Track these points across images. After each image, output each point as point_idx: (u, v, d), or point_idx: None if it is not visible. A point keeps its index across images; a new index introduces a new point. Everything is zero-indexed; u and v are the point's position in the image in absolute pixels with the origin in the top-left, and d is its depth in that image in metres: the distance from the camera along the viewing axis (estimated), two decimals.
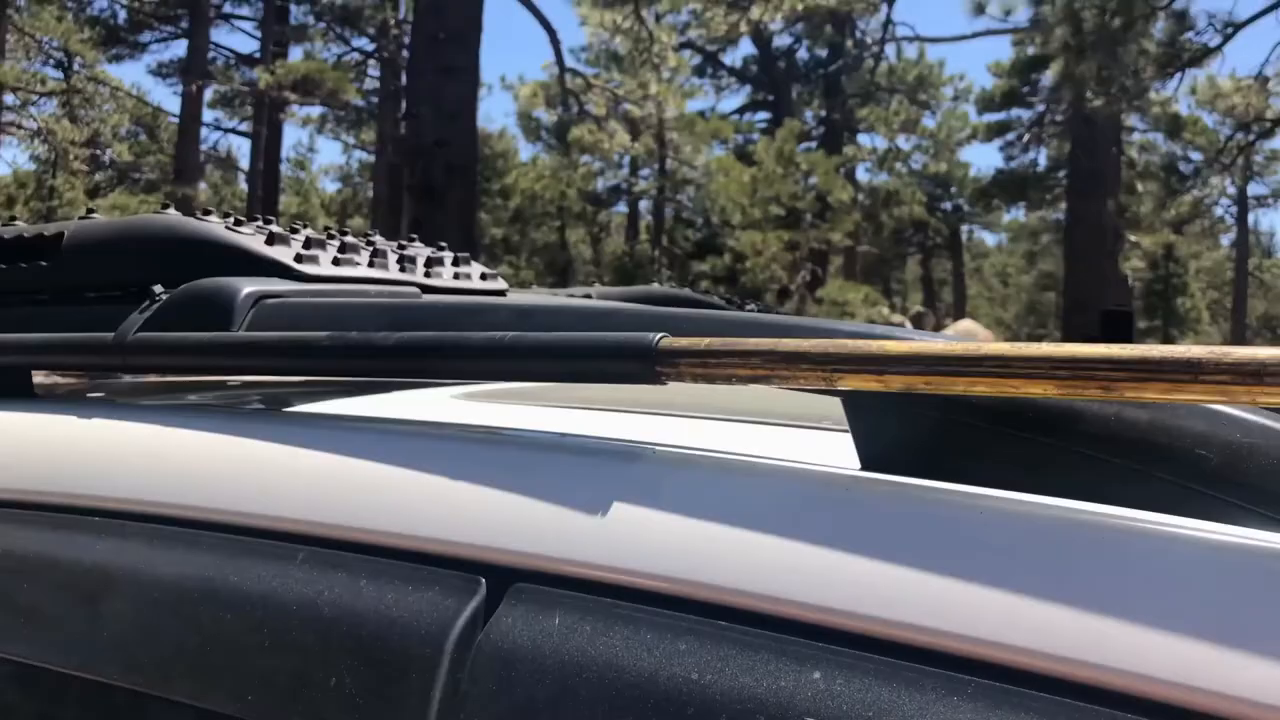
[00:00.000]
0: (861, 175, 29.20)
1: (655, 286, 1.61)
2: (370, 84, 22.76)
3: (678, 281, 22.07)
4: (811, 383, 0.54)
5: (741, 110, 25.95)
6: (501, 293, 1.13)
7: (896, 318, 20.72)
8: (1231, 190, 30.37)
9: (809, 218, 19.47)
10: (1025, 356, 0.49)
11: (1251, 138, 14.28)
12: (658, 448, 0.61)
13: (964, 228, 33.42)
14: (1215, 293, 30.73)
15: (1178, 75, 12.49)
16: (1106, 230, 14.83)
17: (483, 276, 1.15)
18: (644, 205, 23.05)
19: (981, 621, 0.45)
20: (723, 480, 0.57)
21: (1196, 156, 25.22)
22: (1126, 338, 1.56)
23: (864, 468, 0.57)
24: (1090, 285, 16.48)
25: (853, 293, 19.66)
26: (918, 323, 22.14)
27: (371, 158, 24.35)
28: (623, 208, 23.11)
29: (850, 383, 0.53)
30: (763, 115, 25.59)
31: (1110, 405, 0.52)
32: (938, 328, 22.39)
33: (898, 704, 0.44)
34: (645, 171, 20.81)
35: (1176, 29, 12.71)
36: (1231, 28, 12.44)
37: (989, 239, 39.21)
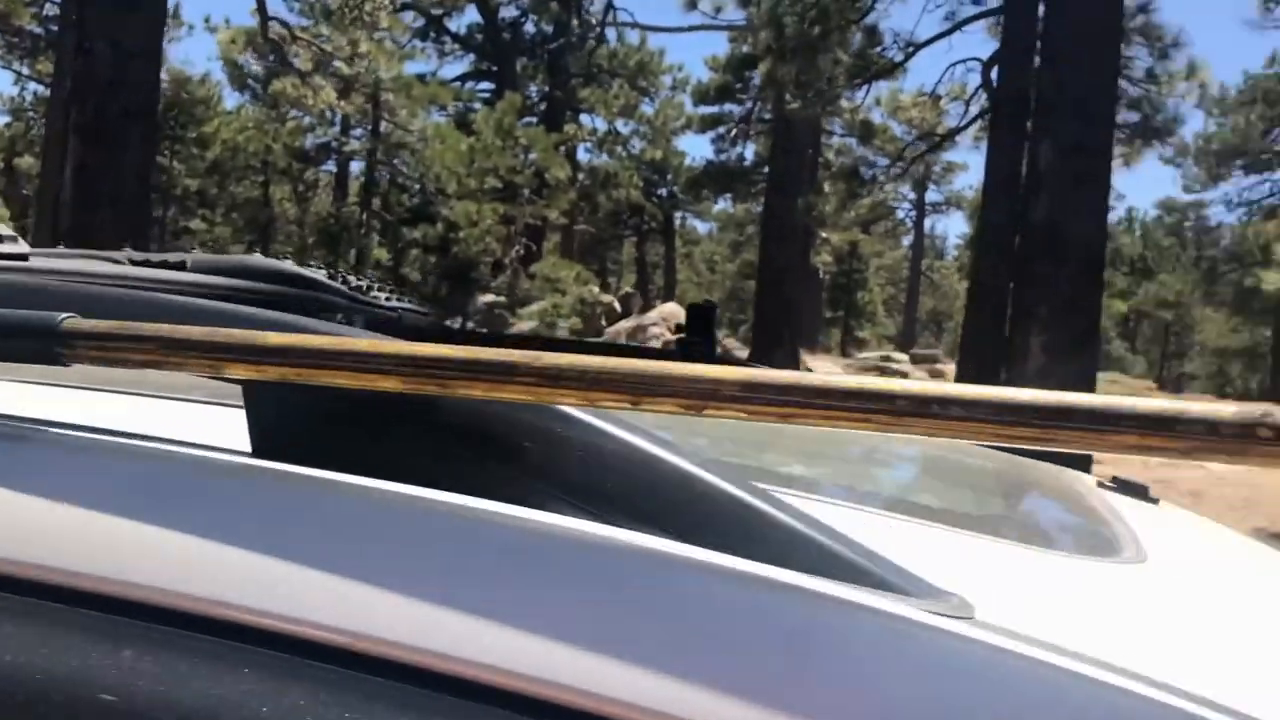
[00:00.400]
0: (583, 155, 29.63)
1: (257, 257, 1.56)
2: (51, 10, 20.60)
3: (390, 249, 21.57)
4: (201, 370, 0.56)
5: (464, 78, 25.62)
6: (22, 256, 1.06)
7: (606, 297, 21.26)
8: (911, 196, 33.38)
9: (526, 193, 19.53)
10: (379, 354, 0.53)
11: (924, 149, 15.76)
12: (20, 424, 0.61)
13: (677, 214, 34.72)
14: (892, 289, 33.67)
15: (866, 86, 13.64)
16: (799, 226, 15.88)
17: None
18: (358, 167, 22.29)
19: (301, 601, 0.48)
20: (71, 460, 0.58)
21: (884, 162, 27.47)
22: (709, 331, 1.68)
23: (255, 453, 0.59)
24: (783, 276, 17.60)
25: (565, 270, 19.97)
26: (625, 304, 22.85)
27: (48, 91, 22.08)
28: (332, 167, 22.24)
29: (234, 371, 0.55)
30: (486, 85, 25.39)
31: (462, 401, 0.57)
32: (645, 309, 23.16)
33: (197, 675, 0.47)
34: (359, 132, 20.12)
35: (867, 43, 13.79)
36: (912, 47, 13.67)
37: (701, 227, 40.98)
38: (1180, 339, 37.75)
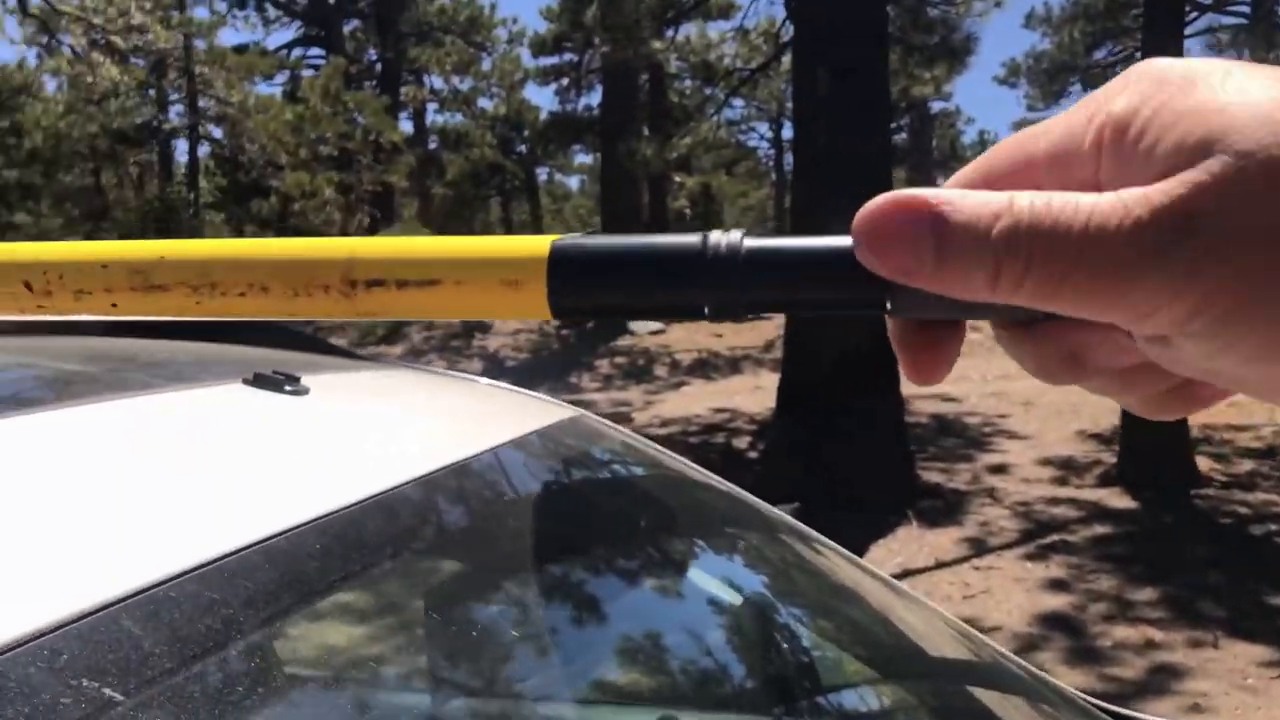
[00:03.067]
0: (436, 118, 29.03)
1: None
2: None
3: (229, 226, 20.83)
4: None
5: (291, 46, 24.74)
6: None
7: None
8: (770, 134, 33.64)
9: (364, 159, 19.07)
10: None
11: (736, 85, 15.74)
12: None
13: (540, 170, 34.38)
14: (759, 229, 34.01)
15: (673, 27, 13.52)
16: (637, 171, 15.83)
17: None
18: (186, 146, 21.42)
19: None
20: None
21: (740, 103, 27.57)
22: None
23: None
24: (627, 222, 17.58)
25: (413, 234, 19.59)
26: None
27: None
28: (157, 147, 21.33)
29: None
30: (317, 52, 24.57)
31: None
32: None
33: None
34: (180, 109, 19.32)
35: None
36: None
37: (572, 182, 40.73)
38: None
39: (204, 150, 20.19)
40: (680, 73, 22.03)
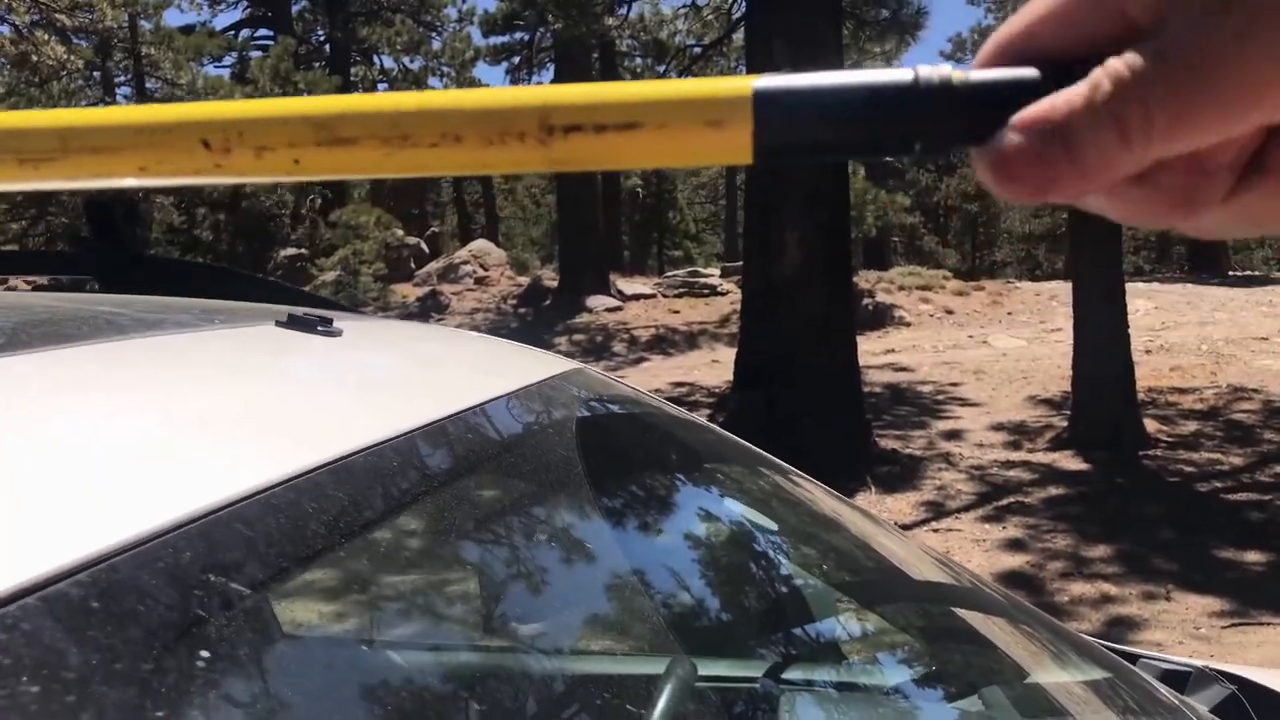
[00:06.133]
0: None
1: None
2: None
3: (178, 209, 20.53)
4: None
5: (238, 26, 24.36)
6: None
7: (411, 239, 20.84)
8: None
9: None
10: None
11: (687, 63, 15.73)
12: None
13: None
14: (712, 206, 34.09)
15: (626, 5, 13.52)
16: None
17: None
18: None
19: None
20: None
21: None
22: (113, 228, 1.64)
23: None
24: (584, 203, 17.56)
25: (366, 215, 19.45)
26: (434, 244, 22.47)
27: None
28: None
29: None
30: (266, 33, 24.22)
31: None
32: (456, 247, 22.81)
33: None
34: (127, 90, 18.95)
35: None
36: None
37: None
38: (988, 229, 39.46)
39: None
40: (631, 50, 21.99)
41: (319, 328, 1.04)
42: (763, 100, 0.32)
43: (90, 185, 0.37)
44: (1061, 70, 0.31)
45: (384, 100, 0.35)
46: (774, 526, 1.36)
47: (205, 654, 0.51)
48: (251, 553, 0.57)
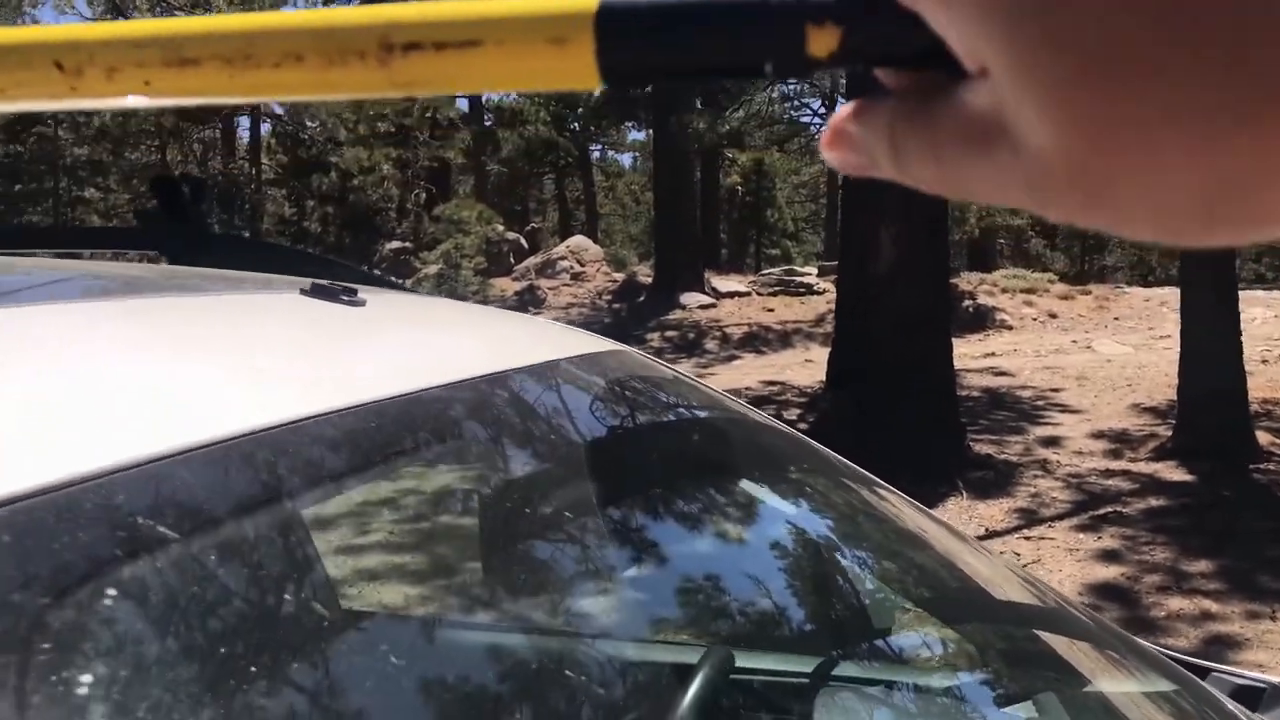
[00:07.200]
0: (491, 95, 29.11)
1: None
2: None
3: (290, 201, 21.18)
4: None
5: None
6: None
7: (511, 234, 21.11)
8: (824, 111, 33.30)
9: (420, 136, 19.24)
10: None
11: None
12: None
13: (593, 147, 34.40)
14: (812, 205, 33.74)
15: None
16: (689, 146, 15.81)
17: None
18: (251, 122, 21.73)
19: None
20: None
21: (793, 79, 27.15)
22: (180, 204, 1.68)
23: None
24: (681, 200, 17.57)
25: (468, 210, 19.77)
26: (533, 239, 22.73)
27: None
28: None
29: None
30: None
31: None
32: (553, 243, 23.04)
33: None
34: None
35: None
36: None
37: (625, 159, 40.73)
38: (1098, 232, 38.16)
39: (266, 127, 20.49)
40: None
41: (343, 296, 1.04)
42: (607, 15, 0.30)
43: None
44: None
45: (229, 20, 0.34)
46: (794, 510, 1.32)
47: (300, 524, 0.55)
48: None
